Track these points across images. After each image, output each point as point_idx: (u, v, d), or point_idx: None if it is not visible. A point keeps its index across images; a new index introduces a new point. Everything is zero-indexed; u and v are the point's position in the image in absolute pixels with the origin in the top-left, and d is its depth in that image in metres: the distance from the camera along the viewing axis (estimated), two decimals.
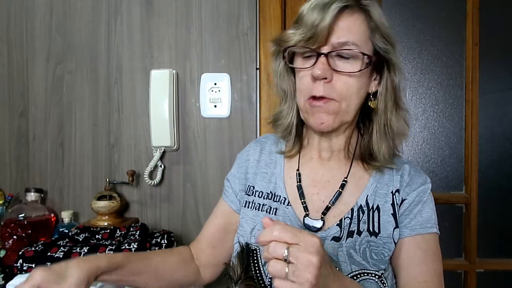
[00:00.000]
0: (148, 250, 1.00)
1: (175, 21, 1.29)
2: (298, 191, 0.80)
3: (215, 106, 1.28)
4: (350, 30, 0.70)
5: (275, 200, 0.81)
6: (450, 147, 1.36)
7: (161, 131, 1.24)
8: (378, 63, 0.74)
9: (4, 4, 1.33)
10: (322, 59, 0.70)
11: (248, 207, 0.84)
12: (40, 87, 1.32)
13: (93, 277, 0.69)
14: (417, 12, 1.35)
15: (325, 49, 0.70)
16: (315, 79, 0.70)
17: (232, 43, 1.27)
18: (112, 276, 0.74)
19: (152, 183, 1.25)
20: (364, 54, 0.70)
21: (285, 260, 0.50)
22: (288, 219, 0.78)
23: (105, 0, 1.30)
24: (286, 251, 0.50)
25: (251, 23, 1.27)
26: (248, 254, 0.74)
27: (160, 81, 1.24)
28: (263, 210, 0.81)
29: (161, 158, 1.28)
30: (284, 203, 0.80)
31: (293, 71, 0.79)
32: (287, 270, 0.49)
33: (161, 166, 1.28)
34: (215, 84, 1.27)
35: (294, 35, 0.71)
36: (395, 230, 0.74)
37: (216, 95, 1.27)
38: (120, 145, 1.31)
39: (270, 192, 0.83)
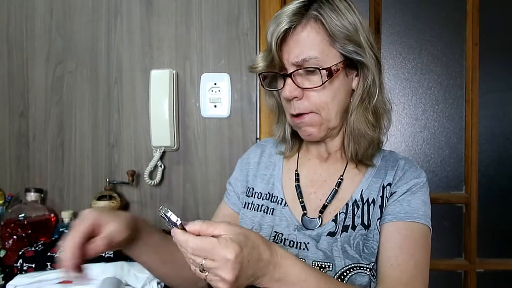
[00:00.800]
0: None
1: (175, 21, 1.29)
2: (296, 191, 0.81)
3: (215, 106, 1.28)
4: (306, 45, 0.70)
5: (272, 200, 0.83)
6: (450, 147, 1.36)
7: (161, 131, 1.24)
8: (351, 62, 0.73)
9: (4, 4, 1.32)
10: (288, 80, 0.72)
11: (247, 208, 0.85)
12: (40, 87, 1.32)
13: (133, 228, 0.67)
14: (417, 12, 1.35)
15: (289, 69, 0.72)
16: (287, 99, 0.74)
17: (232, 43, 1.27)
18: (145, 253, 0.72)
19: (152, 183, 1.25)
20: (321, 69, 0.69)
21: (203, 270, 0.52)
22: (284, 219, 0.79)
23: (105, 0, 1.30)
24: (203, 262, 0.51)
25: (251, 23, 1.27)
26: None
27: (160, 81, 1.24)
28: (261, 211, 0.83)
29: (161, 158, 1.28)
30: (281, 204, 0.81)
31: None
32: (206, 275, 0.52)
33: (161, 166, 1.28)
34: (215, 84, 1.27)
35: (259, 61, 0.74)
36: (378, 220, 0.74)
37: (216, 95, 1.27)
38: (120, 145, 1.31)
39: (268, 193, 0.84)
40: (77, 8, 1.31)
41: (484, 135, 1.35)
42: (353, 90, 0.76)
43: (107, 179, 1.27)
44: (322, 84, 0.71)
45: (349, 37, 0.70)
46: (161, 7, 1.29)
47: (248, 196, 0.86)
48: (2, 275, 1.03)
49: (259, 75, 0.78)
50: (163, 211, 0.54)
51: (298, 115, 0.74)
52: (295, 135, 0.85)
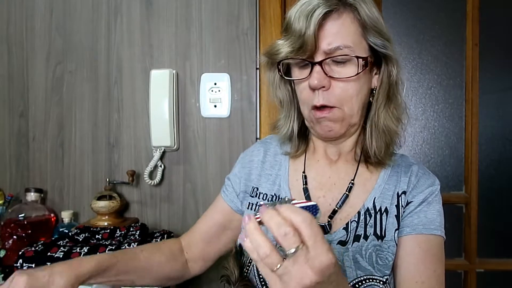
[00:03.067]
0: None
1: (175, 21, 1.29)
2: (304, 194, 0.78)
3: (215, 106, 1.28)
4: (340, 33, 0.67)
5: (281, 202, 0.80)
6: (450, 147, 1.36)
7: (161, 131, 1.24)
8: (376, 58, 0.72)
9: (4, 4, 1.33)
10: (317, 68, 0.68)
11: (251, 209, 0.82)
12: (40, 87, 1.32)
13: (78, 284, 0.69)
14: (417, 12, 1.35)
15: (318, 57, 0.68)
16: (313, 89, 0.69)
17: (232, 43, 1.27)
18: (98, 279, 0.73)
19: (152, 183, 1.25)
20: (358, 57, 0.67)
21: (285, 256, 0.44)
22: None
23: (105, 0, 1.30)
24: (296, 248, 0.43)
25: (251, 23, 1.27)
26: (242, 254, 0.73)
27: (160, 81, 1.24)
28: None
29: (161, 158, 1.28)
30: None
31: (289, 80, 0.78)
32: (278, 267, 0.44)
33: (161, 166, 1.28)
34: (215, 84, 1.27)
35: (283, 47, 0.69)
36: (395, 231, 0.72)
37: (216, 95, 1.27)
38: (120, 145, 1.31)
39: (274, 194, 0.80)
40: (77, 8, 1.31)
41: (484, 135, 1.35)
42: (372, 90, 0.75)
43: (107, 179, 1.27)
44: (357, 74, 0.67)
45: (378, 29, 0.68)
46: (161, 7, 1.29)
47: (252, 197, 0.83)
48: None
49: (278, 63, 0.73)
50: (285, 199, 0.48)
51: (322, 107, 0.70)
52: (301, 134, 0.82)
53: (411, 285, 0.69)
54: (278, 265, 0.43)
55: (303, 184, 0.79)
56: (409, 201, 0.74)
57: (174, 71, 1.27)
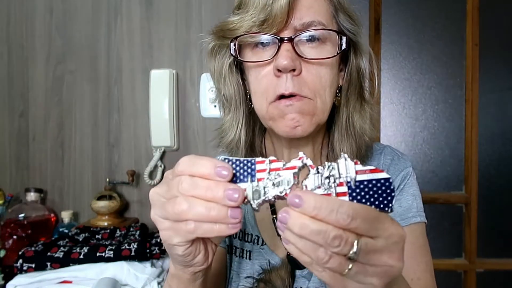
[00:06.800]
0: (148, 250, 0.99)
1: (175, 21, 1.29)
2: (274, 226, 0.65)
3: (215, 106, 1.27)
4: (313, 9, 0.56)
5: (247, 240, 0.68)
6: (450, 147, 1.36)
7: (161, 131, 1.24)
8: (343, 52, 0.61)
9: (4, 4, 1.32)
10: (286, 45, 0.54)
11: (237, 254, 0.71)
12: (40, 87, 1.32)
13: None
14: (417, 12, 1.35)
15: (286, 35, 0.54)
16: (280, 72, 0.54)
17: None
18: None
19: (152, 183, 1.25)
20: (338, 32, 0.56)
21: (350, 258, 0.34)
22: (266, 262, 0.65)
23: (105, 0, 1.30)
24: (356, 247, 0.34)
25: None
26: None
27: (160, 81, 1.24)
28: (237, 255, 0.68)
29: (161, 158, 1.28)
30: (257, 243, 0.66)
31: (239, 71, 0.64)
32: (349, 268, 0.35)
33: (161, 166, 1.28)
34: None
35: (241, 21, 0.55)
36: None
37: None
38: (120, 145, 1.31)
39: (241, 231, 0.68)
40: (77, 8, 1.31)
41: (484, 135, 1.35)
42: (336, 89, 0.63)
43: (107, 179, 1.27)
44: (337, 54, 0.56)
45: (350, 13, 0.60)
46: (161, 7, 1.29)
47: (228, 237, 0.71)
48: (2, 275, 1.03)
49: (232, 42, 0.57)
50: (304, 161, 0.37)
51: (290, 96, 0.55)
52: (255, 150, 0.69)
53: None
54: (350, 265, 0.35)
55: (272, 214, 0.66)
56: None
57: (174, 71, 1.27)
